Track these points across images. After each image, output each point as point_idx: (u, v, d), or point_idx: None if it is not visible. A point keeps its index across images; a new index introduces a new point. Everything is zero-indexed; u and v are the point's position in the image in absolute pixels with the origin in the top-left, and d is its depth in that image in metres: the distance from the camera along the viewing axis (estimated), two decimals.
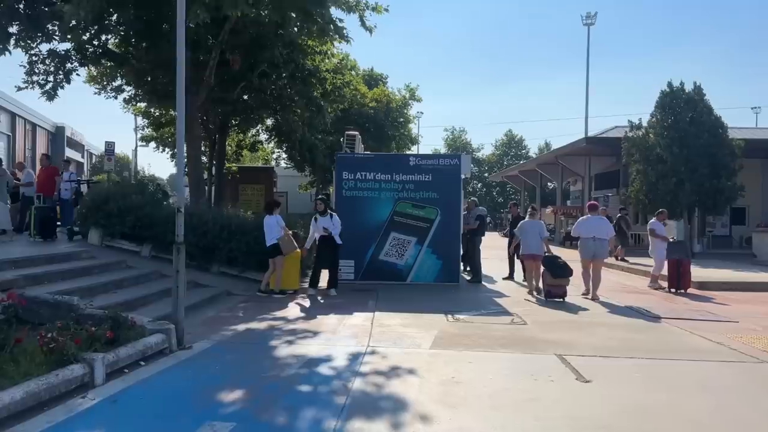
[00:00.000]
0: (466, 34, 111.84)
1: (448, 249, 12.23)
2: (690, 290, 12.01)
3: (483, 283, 12.73)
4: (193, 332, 7.04)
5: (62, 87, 15.16)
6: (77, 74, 15.39)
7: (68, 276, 8.58)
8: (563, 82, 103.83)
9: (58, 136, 39.54)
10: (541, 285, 10.76)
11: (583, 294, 10.93)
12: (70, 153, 41.35)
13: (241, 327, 7.62)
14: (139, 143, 42.80)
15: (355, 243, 12.19)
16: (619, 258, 17.78)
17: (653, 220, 12.98)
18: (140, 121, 28.66)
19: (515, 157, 72.07)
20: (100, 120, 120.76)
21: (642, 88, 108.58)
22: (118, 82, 18.79)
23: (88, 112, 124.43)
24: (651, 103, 22.90)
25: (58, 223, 12.91)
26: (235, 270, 11.47)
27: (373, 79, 33.60)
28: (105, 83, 19.29)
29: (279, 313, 8.65)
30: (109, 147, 26.34)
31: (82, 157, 49.36)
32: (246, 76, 15.69)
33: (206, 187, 23.97)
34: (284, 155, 35.79)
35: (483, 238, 13.13)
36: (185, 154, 14.89)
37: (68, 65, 15.10)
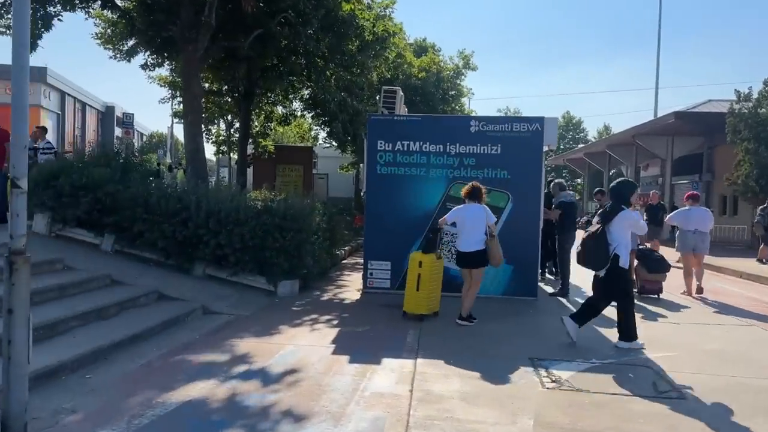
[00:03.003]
0: (520, 14, 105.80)
1: (523, 250, 8.73)
2: None
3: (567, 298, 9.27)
4: (82, 409, 3.89)
5: (40, 37, 12.40)
6: (59, 20, 12.59)
7: None
8: (624, 65, 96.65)
9: (107, 115, 39.12)
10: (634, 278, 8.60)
11: (682, 293, 9.89)
12: (119, 133, 41.69)
13: (177, 395, 4.33)
14: (174, 120, 40.72)
15: (392, 238, 8.88)
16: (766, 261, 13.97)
17: None
18: (165, 92, 26.13)
19: (573, 141, 66.95)
20: (150, 101, 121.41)
21: (714, 69, 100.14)
22: (131, 43, 16.09)
23: (140, 93, 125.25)
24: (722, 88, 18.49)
25: None
26: (224, 272, 8.33)
27: (422, 49, 29.94)
28: (117, 45, 16.65)
29: (259, 360, 5.31)
30: (128, 119, 23.80)
31: (132, 137, 49.72)
32: (262, 22, 12.47)
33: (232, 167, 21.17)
34: (323, 132, 32.66)
35: (573, 234, 9.51)
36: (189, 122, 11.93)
37: (49, 8, 12.32)
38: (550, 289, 9.71)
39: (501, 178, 8.78)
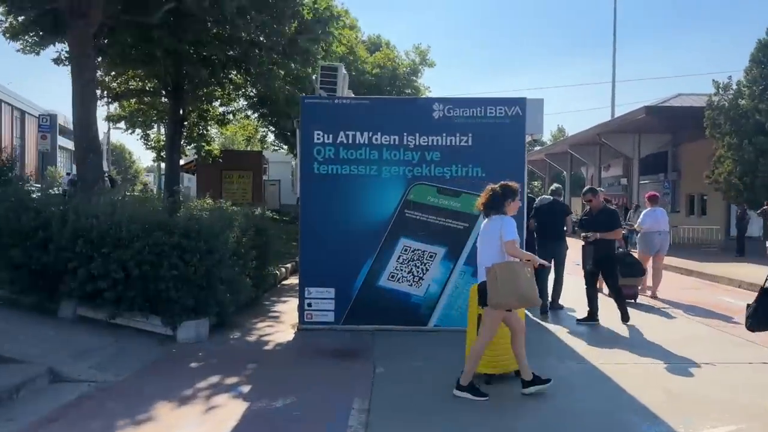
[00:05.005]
0: (469, 24, 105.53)
1: None
2: None
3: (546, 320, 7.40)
4: None
5: None
6: None
7: None
8: (579, 71, 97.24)
9: (51, 124, 35.72)
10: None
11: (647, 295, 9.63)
12: (62, 142, 38.73)
13: None
14: (111, 125, 37.83)
15: (335, 258, 6.81)
16: None
17: None
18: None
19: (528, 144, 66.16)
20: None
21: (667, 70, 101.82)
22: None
23: None
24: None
25: None
26: (103, 312, 6.05)
27: (376, 47, 28.00)
28: (24, 36, 14.06)
29: None
30: (44, 121, 20.84)
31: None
32: None
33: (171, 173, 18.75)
34: (271, 134, 30.35)
35: (551, 243, 7.65)
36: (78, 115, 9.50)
37: None
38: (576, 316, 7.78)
39: (473, 176, 6.80)
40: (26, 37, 11.98)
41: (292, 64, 15.17)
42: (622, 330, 7.12)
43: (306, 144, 6.89)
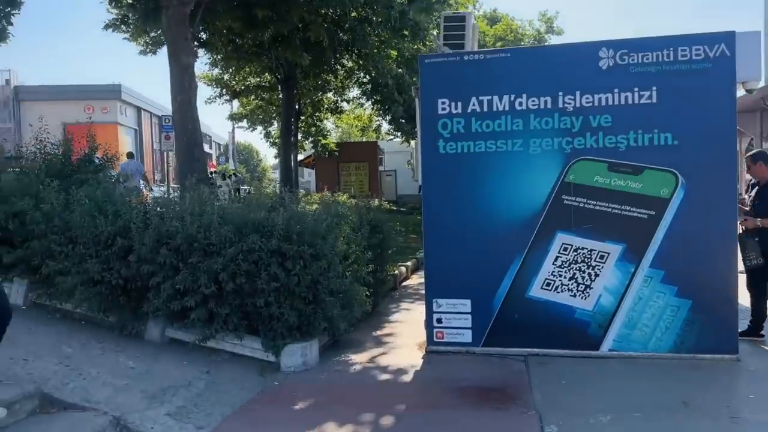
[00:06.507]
0: None
1: (708, 272, 4.89)
2: None
3: None
4: None
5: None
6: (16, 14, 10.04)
7: None
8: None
9: None
10: None
11: None
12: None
13: None
14: (235, 124, 39.07)
15: (470, 260, 5.28)
16: None
17: None
18: (210, 91, 23.77)
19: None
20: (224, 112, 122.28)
21: None
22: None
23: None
24: None
25: None
26: (192, 334, 4.99)
27: (494, 21, 25.92)
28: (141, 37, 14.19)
29: None
30: (167, 121, 21.50)
31: (210, 147, 50.66)
32: None
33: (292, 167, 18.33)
34: (386, 123, 29.38)
35: None
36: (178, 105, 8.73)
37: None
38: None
39: (661, 146, 4.95)
40: (124, 27, 11.67)
41: (402, 43, 13.80)
42: None
43: (428, 117, 5.40)
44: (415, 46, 14.40)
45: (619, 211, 5.03)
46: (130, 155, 14.55)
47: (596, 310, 5.08)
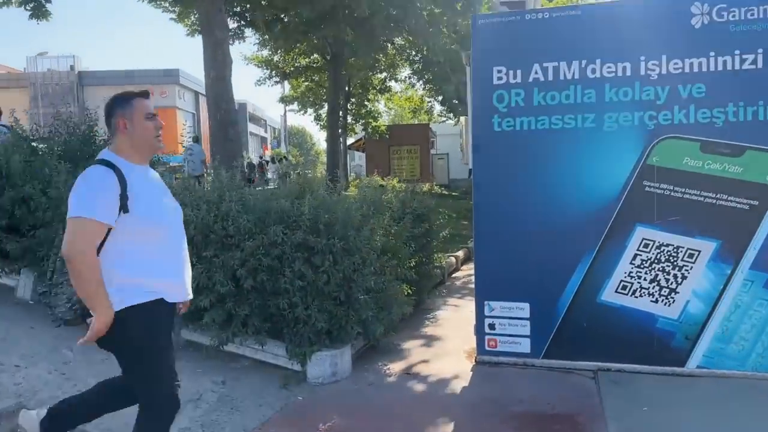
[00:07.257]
0: None
1: None
2: None
3: None
4: None
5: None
6: None
7: None
8: None
9: (240, 112, 40.14)
10: None
11: None
12: (252, 128, 43.51)
13: None
14: (287, 107, 38.92)
15: (530, 258, 4.50)
16: None
17: None
18: (260, 72, 23.53)
19: None
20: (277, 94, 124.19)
21: None
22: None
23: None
24: None
25: None
26: (209, 336, 4.43)
27: None
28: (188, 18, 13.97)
29: None
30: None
31: (265, 131, 52.20)
32: None
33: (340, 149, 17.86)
34: (437, 104, 28.49)
35: None
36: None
37: None
38: None
39: (767, 121, 4.01)
40: (164, 2, 11.30)
41: (455, 17, 12.92)
42: None
43: (481, 89, 4.61)
44: (467, 22, 13.53)
45: (714, 201, 4.13)
46: (195, 140, 14.40)
47: (683, 319, 4.22)
